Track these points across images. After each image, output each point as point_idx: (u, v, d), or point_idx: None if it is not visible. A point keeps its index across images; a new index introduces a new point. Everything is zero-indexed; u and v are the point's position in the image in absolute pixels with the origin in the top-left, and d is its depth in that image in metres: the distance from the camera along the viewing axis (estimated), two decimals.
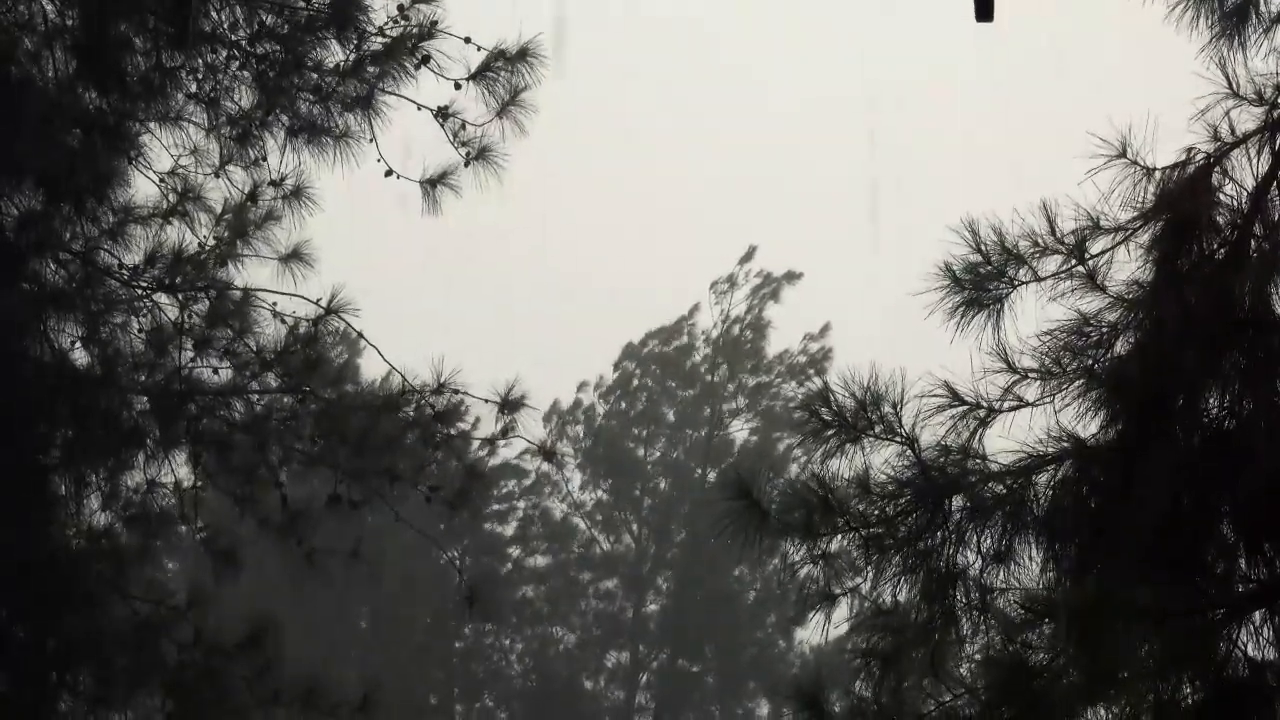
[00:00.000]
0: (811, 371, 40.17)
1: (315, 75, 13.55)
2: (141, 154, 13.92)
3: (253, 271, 14.42)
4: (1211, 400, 8.77)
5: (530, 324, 48.88)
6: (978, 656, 8.96)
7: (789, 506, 9.09)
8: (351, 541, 14.73)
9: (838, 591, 9.26)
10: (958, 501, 8.97)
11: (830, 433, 9.11)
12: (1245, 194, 8.92)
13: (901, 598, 9.08)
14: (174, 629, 13.81)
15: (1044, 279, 9.16)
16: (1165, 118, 9.01)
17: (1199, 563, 8.76)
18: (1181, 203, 8.86)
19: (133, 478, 14.12)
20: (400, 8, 13.45)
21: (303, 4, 13.45)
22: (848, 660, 9.30)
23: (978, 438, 9.05)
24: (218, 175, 14.19)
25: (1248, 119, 8.97)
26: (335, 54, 13.55)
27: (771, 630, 40.04)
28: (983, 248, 9.15)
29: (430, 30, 13.49)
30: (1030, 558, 8.95)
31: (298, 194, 14.31)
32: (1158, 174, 9.01)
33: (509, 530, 40.80)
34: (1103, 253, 9.08)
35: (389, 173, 13.78)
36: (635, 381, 41.66)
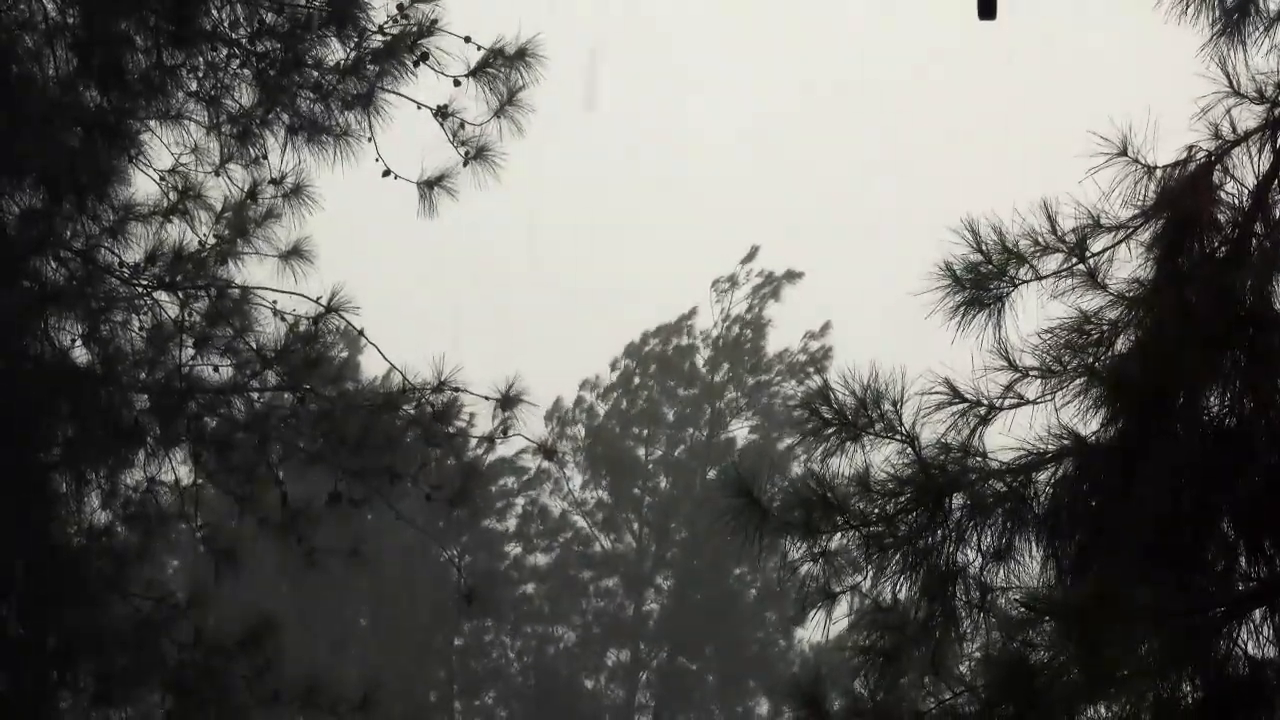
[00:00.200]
0: (812, 370, 40.17)
1: (315, 73, 13.55)
2: (142, 152, 13.92)
3: (253, 270, 14.44)
4: (1212, 398, 8.76)
5: (532, 323, 48.90)
6: (978, 654, 8.96)
7: (789, 505, 9.09)
8: (350, 539, 14.74)
9: (838, 589, 9.26)
10: (958, 499, 8.97)
11: (830, 431, 9.10)
12: (1246, 192, 8.92)
13: (902, 596, 9.08)
14: (174, 627, 13.82)
15: (1045, 277, 9.15)
16: (1166, 116, 9.01)
17: (1199, 561, 8.76)
18: (1182, 201, 8.85)
19: (133, 476, 14.13)
20: (400, 7, 13.46)
21: (303, 2, 13.45)
22: (848, 658, 9.30)
23: (978, 435, 9.05)
24: (218, 173, 14.20)
25: (1249, 117, 8.97)
26: (335, 52, 13.57)
27: (772, 629, 40.03)
28: (983, 247, 9.14)
29: (430, 28, 13.50)
30: (1030, 556, 8.95)
31: (298, 192, 14.32)
32: (1159, 172, 9.01)
33: (509, 526, 40.79)
34: (1103, 251, 9.07)
35: (387, 173, 13.79)
36: (636, 380, 41.66)
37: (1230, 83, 8.98)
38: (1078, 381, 8.98)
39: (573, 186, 56.46)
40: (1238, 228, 8.88)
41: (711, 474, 39.35)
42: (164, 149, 14.02)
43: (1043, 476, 8.96)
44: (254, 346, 14.13)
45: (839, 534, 9.12)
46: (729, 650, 39.66)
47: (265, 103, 13.63)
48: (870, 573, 9.12)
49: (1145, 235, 9.01)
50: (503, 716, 40.51)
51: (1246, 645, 8.67)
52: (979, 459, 9.05)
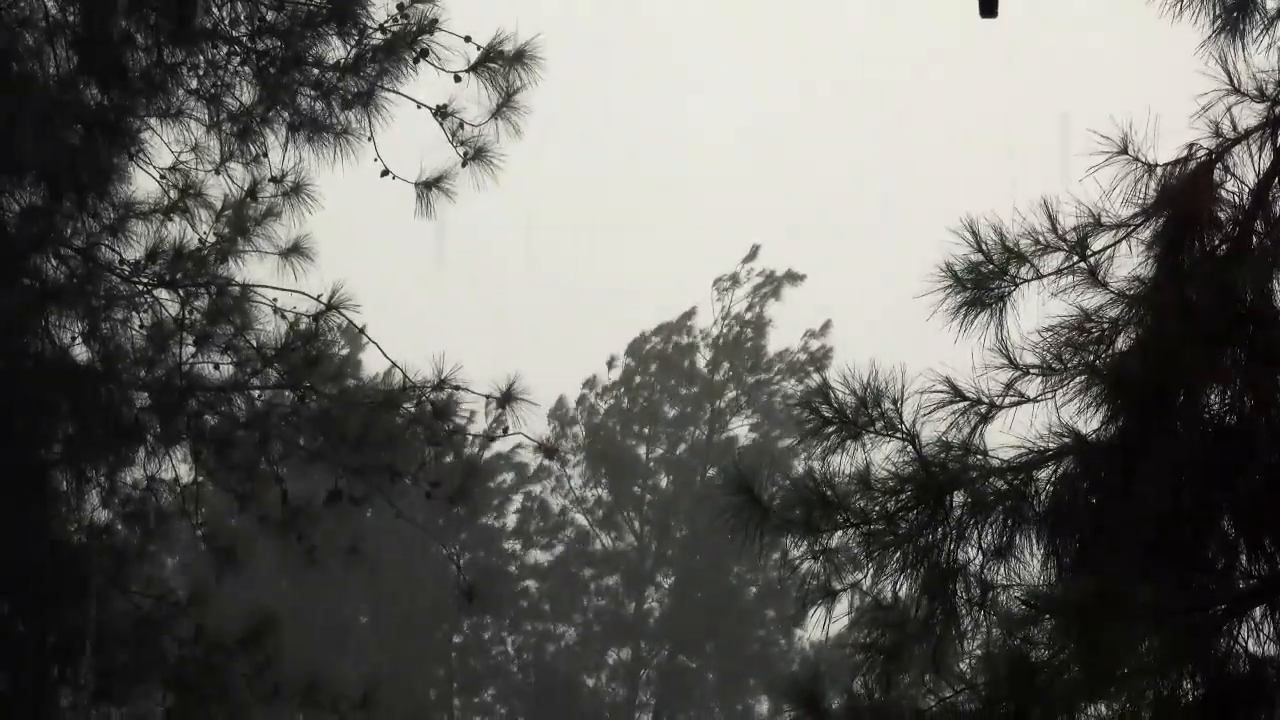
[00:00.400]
0: (812, 369, 40.17)
1: (316, 71, 13.55)
2: (142, 150, 13.92)
3: (253, 268, 14.44)
4: (1212, 396, 8.76)
5: (531, 323, 48.90)
6: (978, 652, 8.96)
7: (790, 503, 9.09)
8: (350, 537, 14.74)
9: (838, 587, 9.25)
10: (959, 497, 8.96)
11: (831, 429, 9.10)
12: (1247, 190, 8.91)
13: (902, 593, 9.07)
14: (174, 625, 13.83)
15: (1045, 276, 9.15)
16: (1166, 114, 9.01)
17: (1200, 559, 8.76)
18: (1183, 199, 8.85)
19: (133, 474, 14.13)
20: (400, 6, 13.46)
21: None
22: (848, 656, 9.30)
23: (979, 433, 9.04)
24: (218, 172, 14.20)
25: (1249, 115, 8.96)
26: (336, 50, 13.57)
27: (772, 628, 40.04)
28: (984, 246, 9.14)
29: (430, 26, 13.51)
30: (1031, 553, 8.94)
31: (298, 191, 14.32)
32: (1159, 170, 9.00)
33: (508, 523, 40.80)
34: (1104, 249, 9.07)
35: (385, 173, 13.79)
36: (638, 379, 41.66)
37: (1231, 81, 8.97)
38: (1078, 379, 8.97)
39: (573, 186, 56.48)
40: (1238, 226, 8.88)
41: (712, 472, 39.36)
42: (164, 147, 14.05)
43: (1043, 474, 8.96)
44: (254, 344, 14.14)
45: (839, 532, 9.11)
46: (729, 649, 39.67)
47: (266, 101, 13.64)
48: (871, 570, 9.12)
49: (1146, 233, 9.00)
50: (503, 714, 40.52)
51: (1247, 643, 8.67)
52: (980, 457, 9.04)
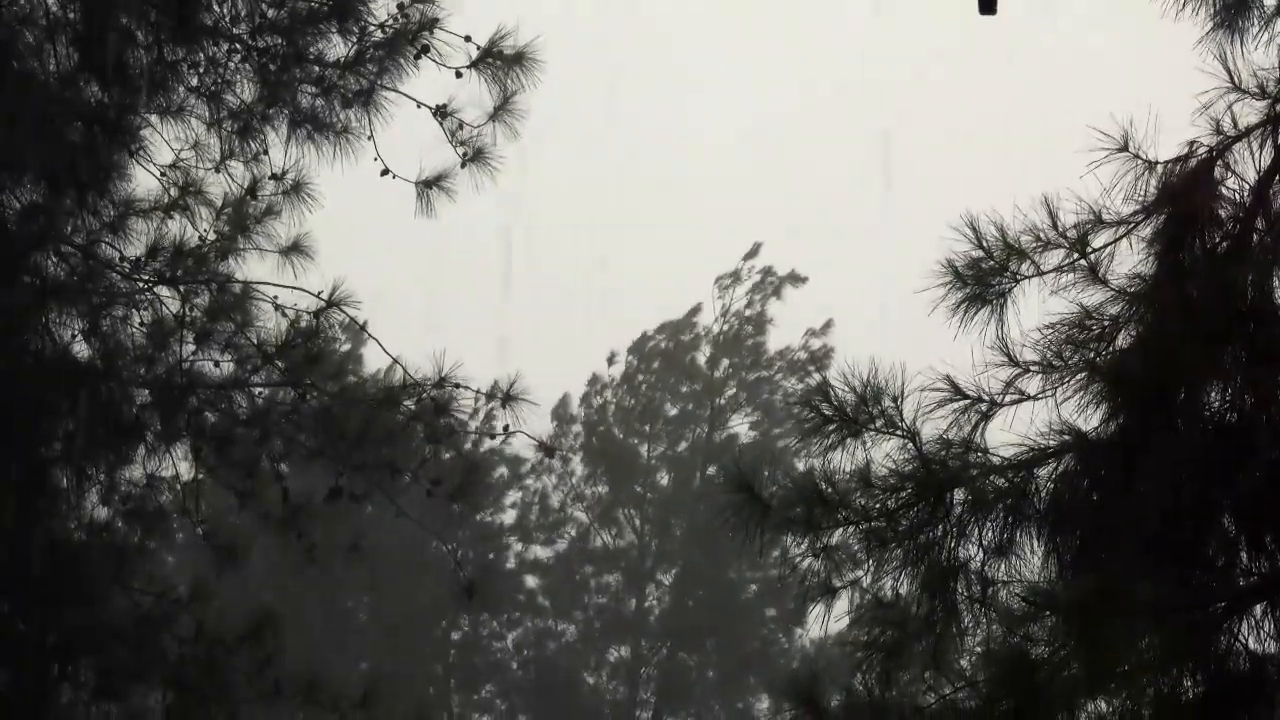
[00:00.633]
0: (813, 368, 40.17)
1: (316, 68, 13.55)
2: (143, 147, 13.92)
3: (253, 266, 14.44)
4: (1213, 394, 8.77)
5: (531, 323, 48.89)
6: (978, 649, 8.96)
7: (790, 500, 9.09)
8: (350, 534, 14.73)
9: (838, 585, 9.26)
10: (959, 495, 8.97)
11: (831, 427, 9.10)
12: (1247, 187, 8.92)
13: (903, 591, 9.08)
14: (175, 623, 13.82)
15: (1046, 273, 9.15)
16: (1167, 112, 9.01)
17: (1200, 556, 8.76)
18: (1184, 196, 8.85)
19: (133, 471, 14.13)
20: (400, 6, 13.47)
21: None
22: (848, 653, 9.30)
23: (979, 431, 9.05)
24: (218, 169, 14.20)
25: (1250, 112, 8.97)
26: (337, 47, 13.57)
27: (773, 626, 40.05)
28: (984, 243, 9.14)
29: (431, 25, 13.51)
30: (1031, 551, 8.95)
31: (298, 189, 14.32)
32: (1160, 168, 9.01)
33: (507, 520, 40.83)
34: (1105, 246, 9.08)
35: (385, 172, 13.79)
36: (640, 377, 41.68)
37: (1231, 78, 8.98)
38: (1079, 377, 8.98)
39: (573, 186, 56.49)
40: (1239, 223, 8.89)
41: (712, 470, 39.36)
42: (165, 144, 14.04)
43: (1044, 472, 8.96)
44: (255, 342, 14.14)
45: (840, 529, 9.12)
46: (730, 646, 39.67)
47: (266, 98, 13.64)
48: (871, 568, 9.13)
49: (1146, 231, 9.01)
50: (503, 711, 40.53)
51: (1247, 641, 8.68)
52: (980, 454, 9.05)
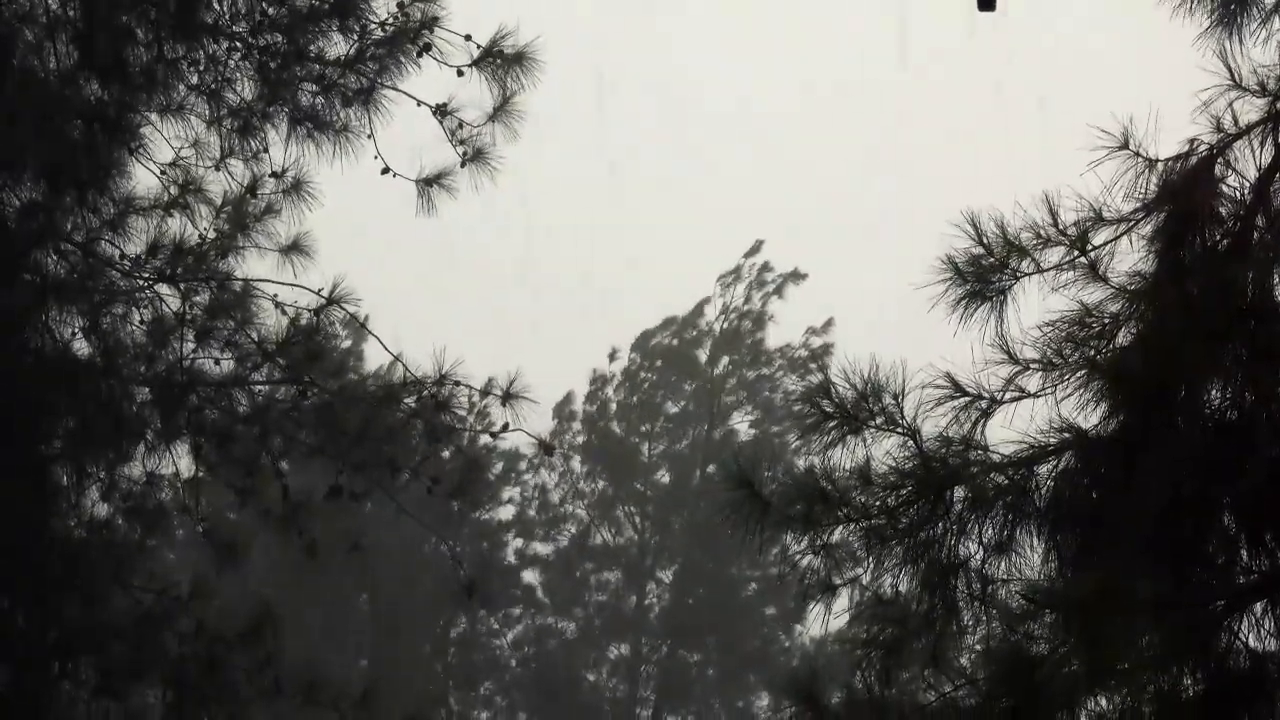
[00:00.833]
0: (813, 365, 40.18)
1: (317, 66, 13.55)
2: (143, 145, 13.91)
3: (253, 265, 14.44)
4: (1213, 391, 8.77)
5: (530, 322, 48.91)
6: (978, 647, 8.96)
7: (790, 498, 9.09)
8: (350, 531, 14.72)
9: (838, 582, 9.26)
10: (959, 492, 8.96)
11: (832, 424, 9.10)
12: (1248, 185, 8.92)
13: (902, 588, 9.07)
14: (175, 621, 13.81)
15: (1046, 270, 9.15)
16: (1167, 109, 9.01)
17: (1200, 554, 8.76)
18: (1184, 194, 8.85)
19: (133, 469, 14.12)
20: (400, 4, 13.46)
21: None
22: (848, 651, 9.30)
23: (979, 429, 9.04)
24: (218, 168, 14.19)
25: (1250, 110, 8.96)
26: (337, 45, 13.56)
27: (773, 623, 40.06)
28: (985, 240, 9.14)
29: (431, 24, 13.51)
30: (1031, 548, 8.95)
31: (298, 187, 14.31)
32: (1160, 165, 9.00)
33: (507, 516, 40.85)
34: (1105, 244, 9.07)
35: (385, 170, 13.79)
36: (642, 374, 41.70)
37: (1232, 76, 8.97)
38: (1079, 374, 8.98)
39: (573, 186, 56.48)
40: (1239, 221, 8.88)
41: (711, 468, 39.37)
42: (165, 142, 14.03)
43: (1044, 469, 8.96)
44: (255, 339, 14.13)
45: (840, 527, 9.11)
46: (730, 644, 39.69)
47: (266, 96, 13.63)
48: (871, 565, 9.12)
49: (1147, 228, 9.00)
50: (503, 708, 40.53)
51: (1248, 638, 8.68)
52: (980, 452, 9.04)
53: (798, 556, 9.22)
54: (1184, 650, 8.54)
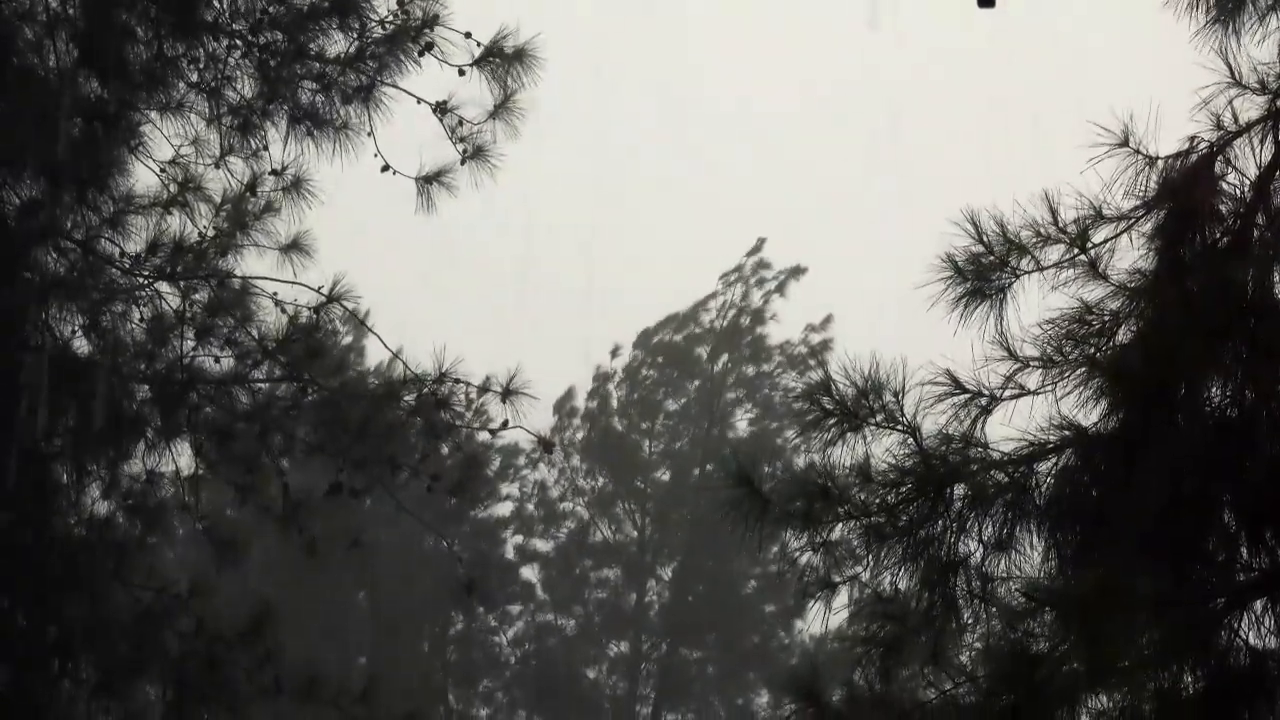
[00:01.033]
0: (813, 362, 40.17)
1: (317, 64, 13.55)
2: (142, 143, 13.92)
3: (253, 262, 14.44)
4: (1213, 389, 8.76)
5: (530, 321, 48.91)
6: (978, 645, 8.95)
7: (790, 495, 9.08)
8: (349, 528, 14.72)
9: (838, 580, 9.25)
10: (959, 490, 8.96)
11: (831, 421, 9.09)
12: (1248, 183, 8.91)
13: (902, 586, 9.06)
14: (175, 618, 13.81)
15: (1046, 268, 9.14)
16: (1168, 107, 9.01)
17: (1200, 551, 8.75)
18: (1184, 192, 8.84)
19: (133, 466, 14.13)
20: (400, 2, 13.46)
21: None
22: (848, 648, 9.29)
23: (979, 426, 9.04)
24: (218, 165, 14.19)
25: (1251, 107, 8.96)
26: (337, 43, 13.56)
27: (773, 621, 40.06)
28: (985, 238, 9.13)
29: (432, 22, 13.52)
30: (1031, 546, 8.94)
31: (297, 185, 14.31)
32: (1160, 163, 8.99)
33: (505, 513, 40.84)
34: (1105, 242, 9.07)
35: (385, 168, 13.79)
36: (643, 372, 41.71)
37: (1232, 73, 8.97)
38: (1079, 372, 8.97)
39: (573, 186, 56.49)
40: (1239, 218, 8.88)
41: (711, 466, 39.36)
42: (164, 140, 14.04)
43: (1044, 467, 8.95)
44: (255, 337, 14.14)
45: (839, 524, 9.11)
46: (730, 642, 39.69)
47: (266, 94, 13.63)
48: (870, 563, 9.11)
49: (1147, 226, 9.00)
50: (503, 705, 40.52)
51: (1248, 636, 8.67)
52: (980, 449, 9.03)
53: (797, 554, 9.22)
54: (1184, 648, 8.53)
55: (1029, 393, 9.04)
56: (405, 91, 13.68)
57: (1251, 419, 8.63)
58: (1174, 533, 8.62)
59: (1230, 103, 8.94)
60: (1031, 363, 9.04)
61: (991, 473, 8.96)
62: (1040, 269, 9.13)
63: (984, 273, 9.11)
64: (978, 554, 9.00)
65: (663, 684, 39.87)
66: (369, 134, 13.68)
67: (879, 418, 9.03)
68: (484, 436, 15.16)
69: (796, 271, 41.27)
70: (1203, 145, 8.97)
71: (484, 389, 14.17)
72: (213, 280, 14.15)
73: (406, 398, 14.26)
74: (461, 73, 13.55)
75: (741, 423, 41.16)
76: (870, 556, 9.07)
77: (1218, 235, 8.89)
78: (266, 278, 14.25)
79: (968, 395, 9.04)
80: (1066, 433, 8.91)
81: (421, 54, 13.48)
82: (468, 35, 13.52)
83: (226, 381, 14.08)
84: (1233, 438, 8.59)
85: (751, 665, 39.64)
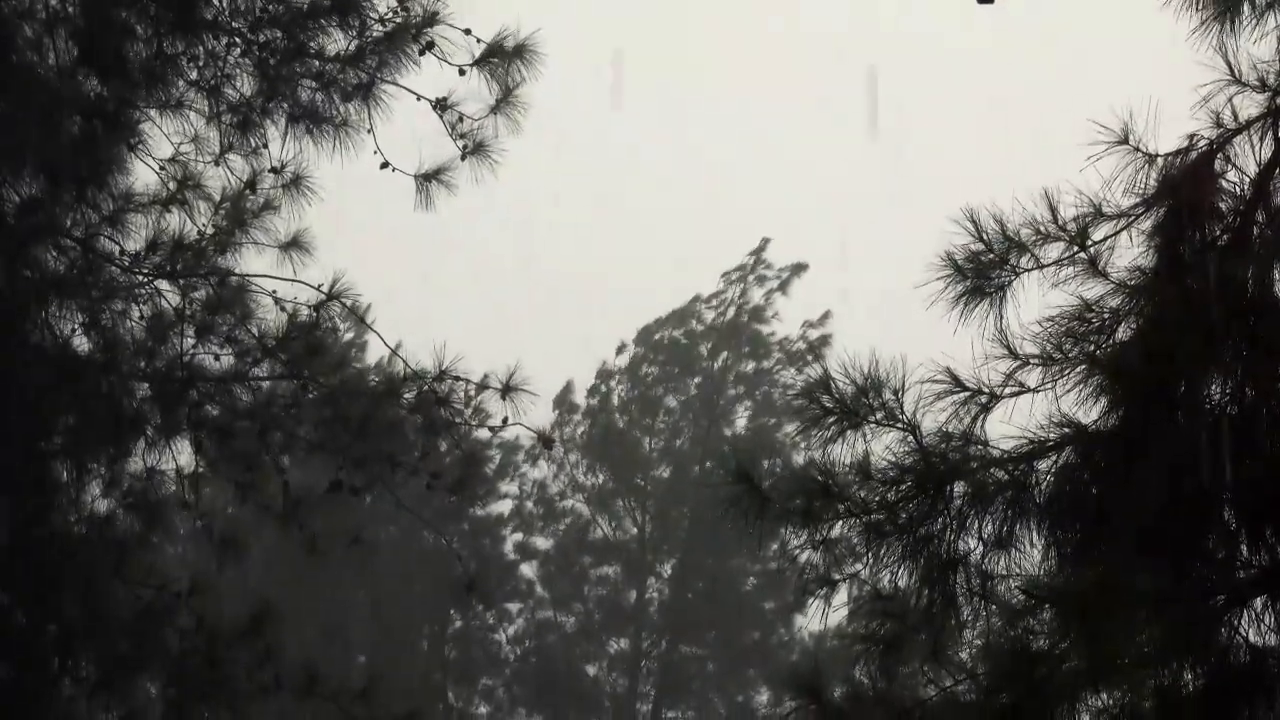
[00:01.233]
0: (812, 359, 40.16)
1: (316, 62, 13.55)
2: (142, 141, 13.92)
3: (252, 260, 14.44)
4: (1213, 386, 8.76)
5: (530, 320, 48.91)
6: (978, 642, 8.95)
7: (790, 492, 9.08)
8: (351, 526, 14.72)
9: (838, 577, 9.25)
10: (959, 487, 8.96)
11: (831, 419, 9.09)
12: (1248, 180, 8.91)
13: (902, 583, 9.06)
14: (175, 616, 13.81)
15: (1046, 266, 9.14)
16: (1167, 104, 9.00)
17: (1200, 549, 8.76)
18: (1184, 189, 8.84)
19: (133, 464, 14.12)
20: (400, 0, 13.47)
21: None
22: (847, 645, 9.29)
23: (979, 424, 9.04)
24: (218, 163, 14.19)
25: (1250, 105, 8.95)
26: (337, 41, 13.56)
27: (773, 618, 40.06)
28: (985, 236, 9.13)
29: (432, 20, 13.51)
30: (1031, 543, 8.94)
31: (297, 183, 14.31)
32: (1160, 160, 8.99)
33: (504, 511, 40.82)
34: (1105, 239, 9.06)
35: (385, 165, 13.78)
36: (644, 369, 41.71)
37: (1231, 71, 8.96)
38: (1079, 370, 8.97)
39: (573, 186, 56.50)
40: (1239, 216, 8.87)
41: (710, 464, 39.37)
42: (164, 138, 14.04)
43: (1044, 464, 8.95)
44: (255, 334, 14.14)
45: (839, 522, 9.11)
46: (730, 639, 39.69)
47: (266, 92, 13.63)
48: (870, 561, 9.11)
49: (1146, 224, 8.99)
50: (503, 702, 40.52)
51: (1248, 633, 8.67)
52: (980, 447, 9.03)
53: (797, 551, 9.22)
54: (1184, 645, 8.53)
55: (1029, 390, 9.04)
56: (405, 89, 13.68)
57: (1251, 416, 8.63)
58: (1174, 530, 8.62)
59: (1230, 100, 8.95)
60: (1031, 360, 9.04)
61: (991, 470, 8.96)
62: (1040, 267, 9.13)
63: (984, 270, 9.11)
64: (977, 551, 9.00)
65: (663, 681, 39.87)
66: (368, 131, 13.68)
67: (879, 415, 9.03)
68: (484, 433, 15.16)
69: (799, 268, 41.29)
70: (1202, 143, 8.96)
71: (483, 386, 14.18)
72: (212, 278, 14.15)
73: (406, 395, 14.26)
74: (462, 72, 13.55)
75: (742, 420, 41.17)
76: (870, 554, 9.07)
77: (1217, 233, 8.88)
78: (266, 275, 14.26)
79: (968, 393, 9.04)
80: (1066, 430, 8.91)
81: (422, 53, 13.48)
82: (467, 32, 13.53)
83: (226, 379, 14.08)
84: (1232, 435, 8.59)
85: (751, 662, 39.65)
